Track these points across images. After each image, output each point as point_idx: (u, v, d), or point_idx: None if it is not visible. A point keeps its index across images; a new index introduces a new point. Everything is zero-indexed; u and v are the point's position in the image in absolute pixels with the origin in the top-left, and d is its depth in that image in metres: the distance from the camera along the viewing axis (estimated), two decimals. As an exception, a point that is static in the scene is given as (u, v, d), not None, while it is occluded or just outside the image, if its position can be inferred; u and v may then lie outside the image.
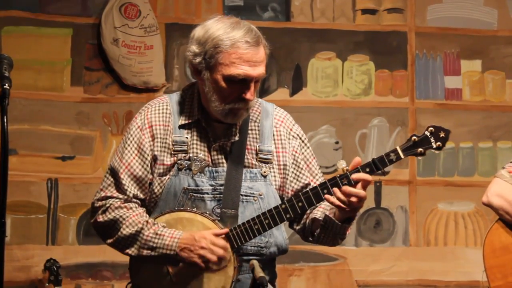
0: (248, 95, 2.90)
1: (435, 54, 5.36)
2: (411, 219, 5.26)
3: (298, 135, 3.11)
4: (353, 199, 2.83)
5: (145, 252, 2.92)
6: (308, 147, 3.12)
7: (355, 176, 2.84)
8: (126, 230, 2.94)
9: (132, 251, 2.96)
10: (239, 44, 2.88)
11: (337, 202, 2.84)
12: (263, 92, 5.17)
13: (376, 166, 2.86)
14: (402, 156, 2.87)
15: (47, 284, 4.69)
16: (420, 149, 2.90)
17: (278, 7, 5.26)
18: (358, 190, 2.83)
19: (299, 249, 5.04)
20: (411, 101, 5.31)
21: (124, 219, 2.95)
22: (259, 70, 2.92)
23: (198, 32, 2.95)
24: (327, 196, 2.86)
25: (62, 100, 5.04)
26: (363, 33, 5.32)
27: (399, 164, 5.25)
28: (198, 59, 2.92)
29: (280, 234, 3.05)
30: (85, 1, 5.09)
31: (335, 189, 2.84)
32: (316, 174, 3.10)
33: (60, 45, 5.06)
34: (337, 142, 5.18)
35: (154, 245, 2.91)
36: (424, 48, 5.35)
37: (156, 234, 2.92)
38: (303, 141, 3.11)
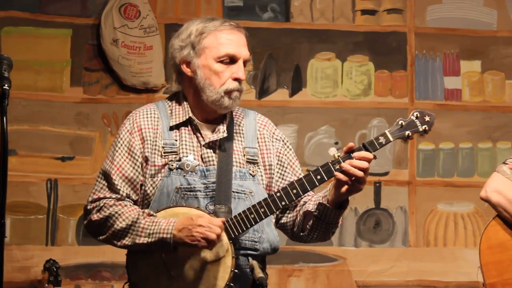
0: (240, 74, 3.03)
1: (434, 54, 5.36)
2: (410, 219, 5.26)
3: (281, 137, 3.21)
4: (361, 166, 2.89)
5: (141, 239, 2.93)
6: (290, 149, 3.22)
7: (355, 154, 2.92)
8: (122, 223, 2.96)
9: (128, 240, 2.96)
10: (222, 27, 3.04)
11: (343, 177, 2.90)
12: (263, 93, 5.17)
13: (367, 149, 2.93)
14: (391, 138, 2.96)
15: (46, 285, 4.69)
16: (407, 132, 2.98)
17: (278, 7, 5.26)
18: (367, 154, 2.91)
19: (299, 250, 5.04)
20: (410, 102, 5.31)
21: (119, 214, 2.97)
22: (245, 51, 3.06)
23: (178, 36, 3.10)
24: (337, 173, 2.91)
25: (61, 101, 5.04)
26: (362, 33, 5.32)
27: (399, 164, 5.25)
28: (186, 51, 3.05)
29: (271, 231, 3.10)
30: (84, 1, 5.09)
31: (343, 164, 2.90)
32: (300, 174, 3.17)
33: (60, 45, 5.06)
34: (336, 143, 5.18)
35: (151, 231, 2.92)
36: (424, 48, 5.35)
37: (153, 222, 2.94)
38: (285, 144, 3.21)
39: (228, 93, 3.02)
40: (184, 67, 3.06)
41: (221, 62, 3.02)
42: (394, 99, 5.31)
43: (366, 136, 5.23)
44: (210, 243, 2.88)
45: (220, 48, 3.01)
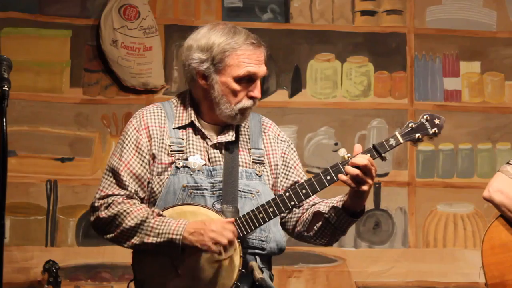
0: (256, 93, 3.06)
1: (434, 55, 5.36)
2: (410, 220, 5.26)
3: (285, 139, 3.24)
4: (364, 170, 2.90)
5: (150, 239, 2.93)
6: (294, 151, 3.25)
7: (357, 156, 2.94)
8: (131, 222, 2.95)
9: (136, 239, 2.95)
10: (245, 46, 3.03)
11: (349, 180, 2.91)
12: (262, 94, 5.14)
13: (377, 151, 2.97)
14: (401, 140, 2.99)
15: (46, 286, 4.69)
16: (417, 135, 3.02)
17: (277, 8, 5.26)
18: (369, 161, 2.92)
19: (298, 251, 5.03)
20: (410, 103, 5.31)
21: (128, 213, 2.97)
22: (264, 69, 3.09)
23: (197, 41, 3.06)
24: (340, 175, 2.92)
25: (61, 102, 5.04)
26: (362, 34, 5.32)
27: (398, 165, 5.25)
28: (205, 65, 3.04)
29: (278, 231, 3.11)
30: (84, 2, 5.09)
31: (347, 167, 2.92)
32: (303, 175, 3.21)
33: (59, 46, 5.06)
34: (336, 144, 5.18)
35: (160, 231, 2.92)
36: (423, 49, 5.35)
37: (162, 221, 2.93)
38: (290, 145, 3.24)
39: (243, 110, 3.05)
40: (200, 79, 3.06)
41: (240, 81, 3.03)
42: (393, 100, 5.31)
43: (366, 137, 5.23)
44: (223, 248, 2.88)
45: (241, 68, 3.02)
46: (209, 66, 3.03)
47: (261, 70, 3.06)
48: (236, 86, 3.02)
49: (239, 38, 3.03)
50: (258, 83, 3.06)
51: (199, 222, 2.91)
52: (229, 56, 3.01)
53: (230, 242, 2.88)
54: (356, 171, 2.91)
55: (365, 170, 2.92)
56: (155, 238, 2.92)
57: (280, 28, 5.24)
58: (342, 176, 2.93)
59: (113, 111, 5.08)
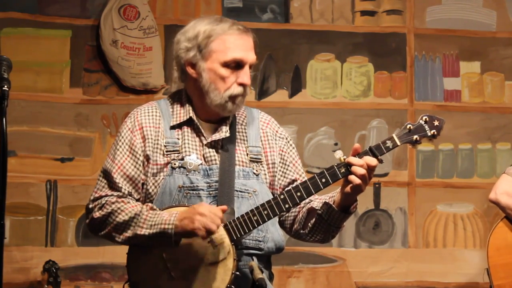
0: (245, 79, 3.01)
1: (434, 55, 5.36)
2: (410, 220, 5.26)
3: (284, 135, 3.20)
4: (362, 171, 2.88)
5: (143, 231, 2.92)
6: (293, 148, 3.21)
7: (365, 158, 2.90)
8: (124, 217, 2.96)
9: (129, 232, 2.95)
10: (231, 31, 3.01)
11: (355, 179, 2.88)
12: (262, 94, 5.17)
13: (373, 153, 2.92)
14: (398, 143, 2.93)
15: (46, 286, 4.69)
16: (415, 137, 2.97)
17: (277, 8, 5.26)
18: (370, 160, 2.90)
19: (298, 251, 5.04)
20: (410, 103, 5.31)
21: (122, 210, 2.97)
22: (252, 55, 3.04)
23: (185, 33, 3.06)
24: (351, 177, 2.88)
25: (61, 102, 5.04)
26: (362, 34, 5.32)
27: (398, 165, 5.25)
28: (192, 53, 3.03)
29: (276, 230, 3.10)
30: (84, 2, 5.09)
31: (353, 160, 2.88)
32: (302, 173, 3.18)
33: (59, 46, 5.06)
34: (336, 144, 5.18)
35: (152, 222, 2.91)
36: (423, 49, 5.35)
37: (155, 214, 2.93)
38: (288, 142, 3.20)
39: (233, 98, 3.01)
40: (189, 69, 3.05)
41: (227, 66, 2.99)
42: (393, 100, 5.31)
43: (366, 137, 5.23)
44: (210, 233, 2.86)
45: (227, 53, 2.99)
46: (195, 53, 3.01)
47: (249, 56, 3.02)
48: (223, 72, 2.99)
49: (224, 25, 3.02)
50: (247, 69, 3.02)
51: (189, 208, 2.89)
52: (214, 41, 2.99)
53: (218, 226, 2.86)
54: (363, 171, 2.88)
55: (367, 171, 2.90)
56: (148, 230, 2.92)
57: (280, 28, 5.24)
58: (352, 177, 2.90)
59: (113, 111, 5.08)
